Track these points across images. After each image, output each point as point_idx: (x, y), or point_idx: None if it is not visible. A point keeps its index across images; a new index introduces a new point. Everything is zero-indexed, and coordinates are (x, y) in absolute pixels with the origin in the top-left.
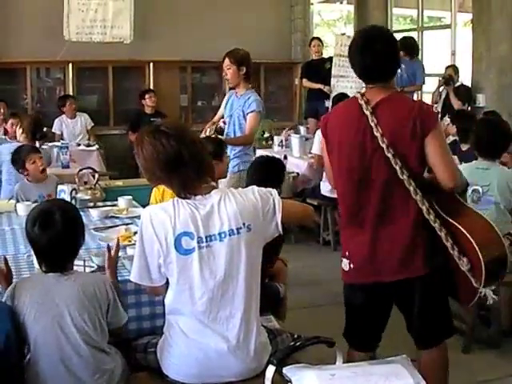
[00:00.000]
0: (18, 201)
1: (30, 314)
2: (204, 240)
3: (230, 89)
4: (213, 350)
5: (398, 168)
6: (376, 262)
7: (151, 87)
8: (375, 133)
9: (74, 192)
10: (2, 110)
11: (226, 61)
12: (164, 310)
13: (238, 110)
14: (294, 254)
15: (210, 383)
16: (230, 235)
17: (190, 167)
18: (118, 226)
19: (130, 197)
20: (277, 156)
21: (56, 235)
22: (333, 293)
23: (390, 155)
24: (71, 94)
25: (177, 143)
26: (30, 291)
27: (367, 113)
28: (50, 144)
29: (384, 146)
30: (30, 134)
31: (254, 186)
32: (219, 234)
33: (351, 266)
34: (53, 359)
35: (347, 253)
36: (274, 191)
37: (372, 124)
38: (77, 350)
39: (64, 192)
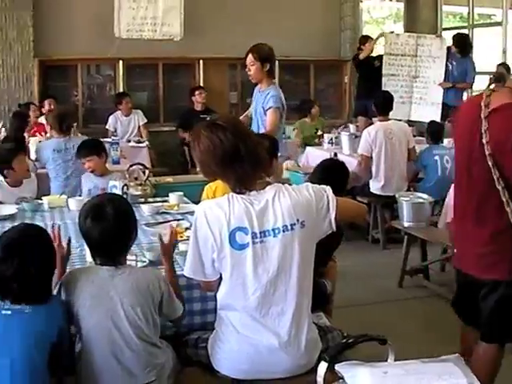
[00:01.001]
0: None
1: (84, 306)
2: (258, 235)
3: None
4: (264, 345)
5: (495, 178)
6: (468, 258)
7: (201, 84)
8: (483, 139)
9: (125, 188)
10: (51, 107)
11: (250, 57)
12: (215, 305)
13: (259, 105)
14: (343, 251)
15: (260, 379)
16: (283, 231)
17: (246, 162)
18: (169, 221)
19: (181, 193)
20: (327, 154)
21: (107, 228)
22: (381, 291)
23: (490, 164)
24: (122, 90)
25: (234, 137)
26: (85, 283)
27: (482, 117)
28: (103, 139)
29: (487, 154)
30: (58, 126)
31: (309, 183)
32: (273, 229)
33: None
34: (105, 352)
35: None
36: (328, 188)
37: (483, 130)
38: (129, 344)
39: (116, 188)
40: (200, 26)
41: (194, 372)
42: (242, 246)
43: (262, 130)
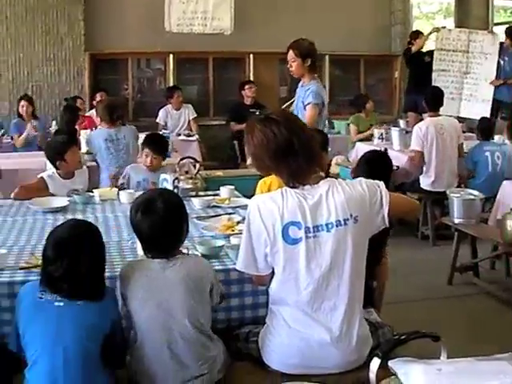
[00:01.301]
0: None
1: (136, 299)
2: (311, 230)
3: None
4: (315, 340)
5: None
6: None
7: (251, 78)
8: None
9: (176, 181)
10: (102, 99)
11: (291, 53)
12: (267, 299)
13: (300, 100)
14: (391, 247)
15: (310, 374)
16: (337, 226)
17: (300, 156)
18: (220, 215)
19: (233, 186)
20: (377, 149)
21: (157, 221)
22: (430, 288)
23: None
24: (172, 84)
25: (287, 131)
26: (137, 277)
27: None
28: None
29: None
30: (108, 117)
31: (362, 178)
32: (326, 224)
33: None
34: (158, 344)
35: None
36: (382, 183)
37: None
38: (183, 335)
39: (166, 181)
40: (250, 21)
41: (244, 366)
42: (295, 240)
43: None
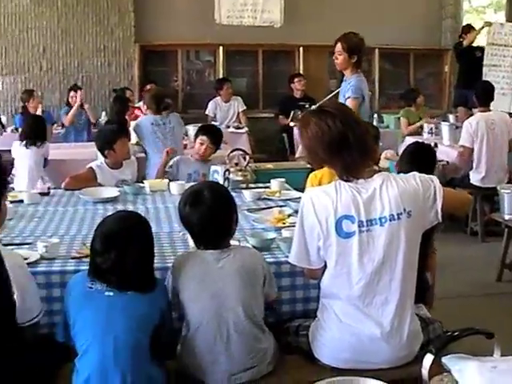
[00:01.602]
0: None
1: (189, 290)
2: (365, 224)
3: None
4: (366, 335)
5: None
6: None
7: (300, 71)
8: None
9: (227, 173)
10: (150, 88)
11: (338, 46)
12: (318, 293)
13: (342, 94)
14: (440, 243)
15: (360, 369)
16: (390, 220)
17: (354, 150)
18: (271, 207)
19: (283, 179)
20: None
21: (205, 213)
22: (478, 285)
23: None
24: (221, 76)
25: (342, 124)
26: (190, 269)
27: None
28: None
29: None
30: (155, 106)
31: (415, 172)
32: (380, 218)
33: None
34: (210, 336)
35: None
36: (435, 178)
37: None
38: (236, 327)
39: (217, 172)
40: (300, 13)
41: (294, 360)
42: (348, 234)
43: None
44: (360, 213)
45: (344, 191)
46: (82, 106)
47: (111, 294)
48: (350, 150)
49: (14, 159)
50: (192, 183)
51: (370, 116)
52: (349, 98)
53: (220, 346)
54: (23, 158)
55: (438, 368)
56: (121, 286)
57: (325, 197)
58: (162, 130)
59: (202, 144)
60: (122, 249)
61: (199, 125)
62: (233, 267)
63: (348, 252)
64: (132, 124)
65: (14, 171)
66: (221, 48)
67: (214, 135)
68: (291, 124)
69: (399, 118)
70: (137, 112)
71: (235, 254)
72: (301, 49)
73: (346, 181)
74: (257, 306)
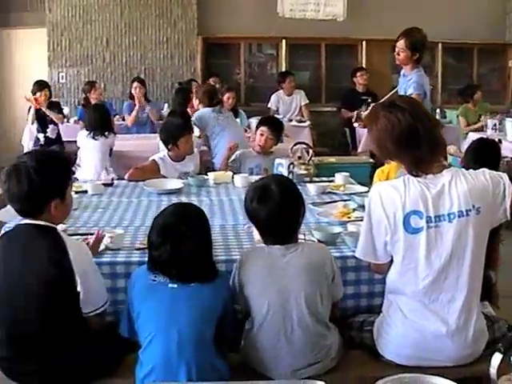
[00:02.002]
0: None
1: (255, 286)
2: (433, 220)
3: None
4: (430, 332)
5: None
6: None
7: (363, 65)
8: None
9: (291, 166)
10: (216, 85)
11: (401, 43)
12: (382, 288)
13: (402, 89)
14: (504, 239)
15: (424, 366)
16: (459, 216)
17: (423, 144)
18: (335, 201)
19: (348, 173)
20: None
21: (274, 208)
22: None
23: None
24: (284, 70)
25: (412, 118)
26: (256, 263)
27: None
28: None
29: None
30: (207, 100)
31: (485, 169)
32: (448, 214)
33: None
34: (275, 331)
35: None
36: (505, 175)
37: None
38: (301, 323)
39: (282, 165)
40: (363, 7)
41: (357, 355)
42: (416, 229)
43: None
44: (428, 208)
45: (412, 186)
46: (146, 99)
47: (175, 285)
48: (419, 144)
49: (78, 149)
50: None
51: (431, 111)
52: (411, 94)
53: (284, 342)
54: (91, 148)
55: (506, 367)
56: (181, 278)
57: (393, 191)
58: (223, 119)
59: (262, 135)
60: (178, 240)
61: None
62: (300, 263)
63: (415, 248)
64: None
65: (77, 161)
66: (283, 41)
67: (274, 126)
68: (355, 125)
69: (458, 116)
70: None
71: (302, 249)
72: (363, 43)
73: (414, 176)
74: (322, 303)
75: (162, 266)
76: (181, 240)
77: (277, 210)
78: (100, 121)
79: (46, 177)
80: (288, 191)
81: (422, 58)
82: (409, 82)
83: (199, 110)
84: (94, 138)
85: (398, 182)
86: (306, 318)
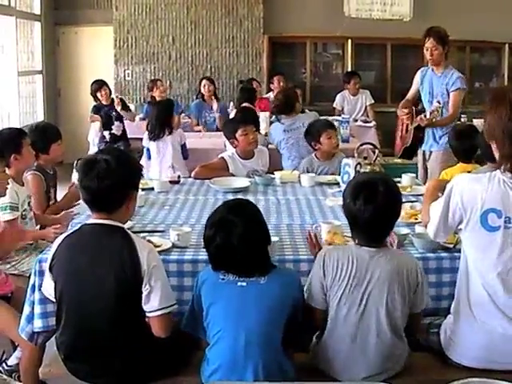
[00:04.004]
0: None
1: (339, 286)
2: (511, 220)
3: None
4: (499, 333)
5: None
6: None
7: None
8: None
9: (358, 166)
10: (280, 84)
11: (431, 41)
12: (450, 291)
13: (439, 88)
14: None
15: (494, 370)
16: None
17: None
18: (403, 202)
19: (414, 175)
20: None
21: (380, 209)
22: None
23: None
24: (349, 69)
25: None
26: (342, 263)
27: None
28: (331, 118)
29: None
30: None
31: None
32: None
33: None
34: (349, 336)
35: None
36: None
37: None
38: (379, 331)
39: (349, 165)
40: (429, 7)
41: (423, 357)
42: (492, 228)
43: (445, 114)
44: (508, 209)
45: (496, 184)
46: (216, 97)
47: (244, 284)
48: None
49: (143, 148)
50: None
51: None
52: (458, 89)
53: (357, 348)
54: (157, 147)
55: None
56: (235, 269)
57: (475, 184)
58: (294, 136)
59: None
60: (226, 229)
61: (327, 118)
62: (386, 269)
63: (489, 246)
64: (261, 115)
65: (143, 159)
66: (349, 41)
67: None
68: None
69: None
70: (265, 104)
71: (391, 255)
72: None
73: (502, 171)
74: (401, 314)
75: (221, 262)
76: (228, 228)
77: (382, 212)
78: (157, 120)
79: (125, 172)
80: (394, 192)
81: (448, 52)
82: (452, 78)
83: (272, 125)
84: (153, 139)
85: (483, 177)
86: (383, 326)
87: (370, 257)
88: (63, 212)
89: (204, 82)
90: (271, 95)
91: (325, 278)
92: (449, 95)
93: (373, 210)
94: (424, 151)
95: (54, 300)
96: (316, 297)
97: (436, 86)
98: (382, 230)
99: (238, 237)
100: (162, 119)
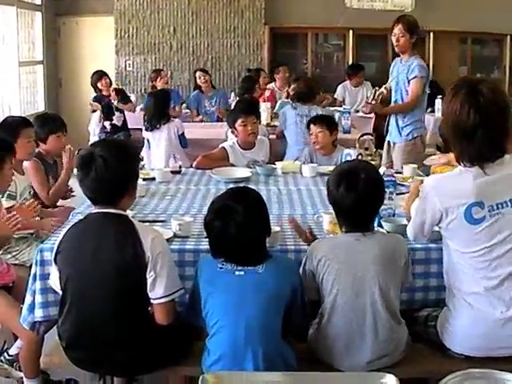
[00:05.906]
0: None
1: (330, 273)
2: (495, 208)
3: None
4: (497, 318)
5: None
6: None
7: (430, 57)
8: None
9: (359, 157)
10: (286, 74)
11: (399, 27)
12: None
13: (402, 76)
14: None
15: (494, 357)
16: None
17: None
18: (403, 193)
19: (415, 165)
20: None
21: (362, 195)
22: None
23: None
24: (350, 60)
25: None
26: (330, 251)
27: None
28: (332, 108)
29: None
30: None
31: None
32: (510, 200)
33: None
34: (347, 320)
35: None
36: None
37: None
38: (374, 314)
39: (350, 156)
40: None
41: (423, 349)
42: (477, 220)
43: (405, 101)
44: (490, 198)
45: (470, 177)
46: (212, 86)
47: (241, 273)
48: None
49: (143, 138)
50: None
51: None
52: (415, 77)
53: (356, 333)
54: (154, 138)
55: None
56: (232, 257)
57: (450, 183)
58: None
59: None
60: (225, 215)
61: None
62: (374, 251)
63: (477, 236)
64: (263, 105)
65: (144, 150)
66: (350, 32)
67: (326, 121)
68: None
69: None
70: (269, 94)
71: (378, 237)
72: (431, 34)
73: (473, 165)
74: (394, 293)
75: (220, 249)
76: (228, 215)
77: (364, 199)
78: (154, 110)
79: (123, 165)
80: (375, 179)
81: (416, 43)
82: (411, 66)
83: (284, 108)
84: (150, 129)
85: (455, 174)
86: (378, 307)
87: (357, 241)
88: (61, 207)
89: (198, 73)
90: (274, 86)
91: (315, 264)
92: (409, 83)
93: (355, 197)
94: (389, 141)
95: (60, 291)
96: (309, 289)
97: (400, 74)
98: (366, 216)
99: (236, 224)
100: (159, 110)
